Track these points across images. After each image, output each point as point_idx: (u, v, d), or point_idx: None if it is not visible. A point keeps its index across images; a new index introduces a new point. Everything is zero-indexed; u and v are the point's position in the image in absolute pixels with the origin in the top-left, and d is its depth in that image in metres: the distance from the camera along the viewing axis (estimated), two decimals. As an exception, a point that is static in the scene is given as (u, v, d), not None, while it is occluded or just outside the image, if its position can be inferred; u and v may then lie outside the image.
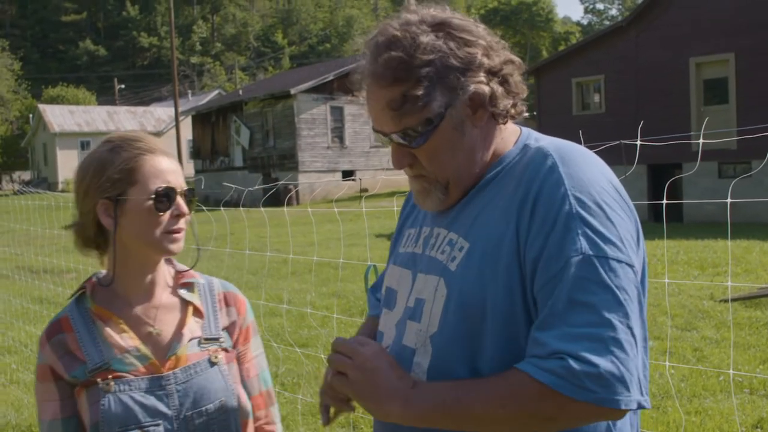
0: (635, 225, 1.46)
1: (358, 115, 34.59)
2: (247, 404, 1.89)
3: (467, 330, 1.46)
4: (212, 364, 1.80)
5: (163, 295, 1.84)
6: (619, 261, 1.35)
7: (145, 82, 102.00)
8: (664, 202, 3.34)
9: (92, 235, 1.78)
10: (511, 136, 1.60)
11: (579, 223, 1.36)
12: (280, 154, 34.25)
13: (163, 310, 1.82)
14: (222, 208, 4.94)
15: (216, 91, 62.94)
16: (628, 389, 1.28)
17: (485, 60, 1.47)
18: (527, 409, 1.32)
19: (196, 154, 41.14)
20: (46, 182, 50.80)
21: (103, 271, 1.87)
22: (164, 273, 1.87)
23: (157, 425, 1.70)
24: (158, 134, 53.14)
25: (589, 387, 1.27)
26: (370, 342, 1.49)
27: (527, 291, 1.41)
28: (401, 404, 1.39)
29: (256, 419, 1.94)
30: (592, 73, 25.19)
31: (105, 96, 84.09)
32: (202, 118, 40.39)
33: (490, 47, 1.49)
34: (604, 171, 1.49)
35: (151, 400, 1.71)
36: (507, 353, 1.42)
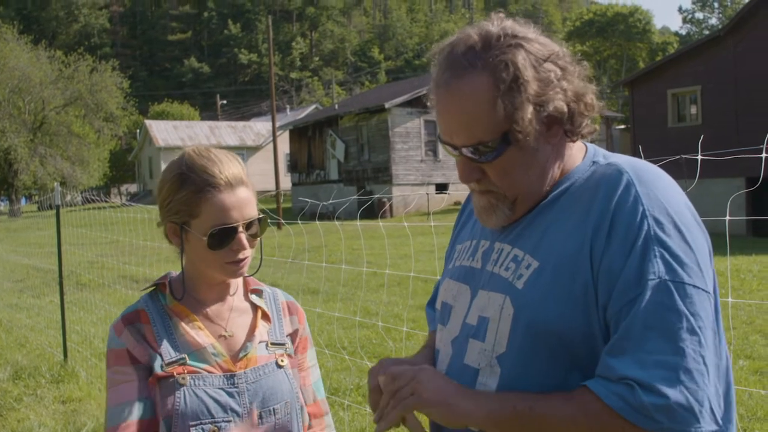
0: (709, 248, 1.43)
1: (451, 128, 34.56)
2: (305, 409, 1.97)
3: (540, 350, 1.43)
4: (279, 366, 1.88)
5: (234, 299, 1.93)
6: (695, 287, 1.33)
7: (246, 97, 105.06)
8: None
9: (169, 241, 1.88)
10: (578, 153, 1.57)
11: (657, 246, 1.34)
12: (374, 167, 34.59)
13: (236, 313, 1.91)
14: (299, 222, 5.06)
15: (313, 106, 64.10)
16: (698, 420, 1.27)
17: (564, 78, 1.45)
18: (596, 429, 1.32)
19: (293, 167, 41.99)
20: (151, 195, 52.76)
21: (174, 272, 1.95)
22: (235, 279, 1.94)
23: (229, 421, 1.76)
24: (257, 148, 54.54)
25: (656, 418, 1.26)
26: (423, 368, 1.49)
27: (600, 312, 1.38)
28: (473, 403, 1.40)
29: (310, 427, 2.00)
30: (689, 84, 24.47)
31: (208, 111, 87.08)
32: (299, 132, 41.23)
33: (569, 65, 1.47)
34: (677, 191, 1.45)
35: (223, 397, 1.77)
36: (583, 374, 1.40)
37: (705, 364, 1.29)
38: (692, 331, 1.29)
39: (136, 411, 1.74)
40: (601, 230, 1.39)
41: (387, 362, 1.61)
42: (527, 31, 1.47)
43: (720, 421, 1.31)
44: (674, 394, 1.26)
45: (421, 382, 1.44)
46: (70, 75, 51.00)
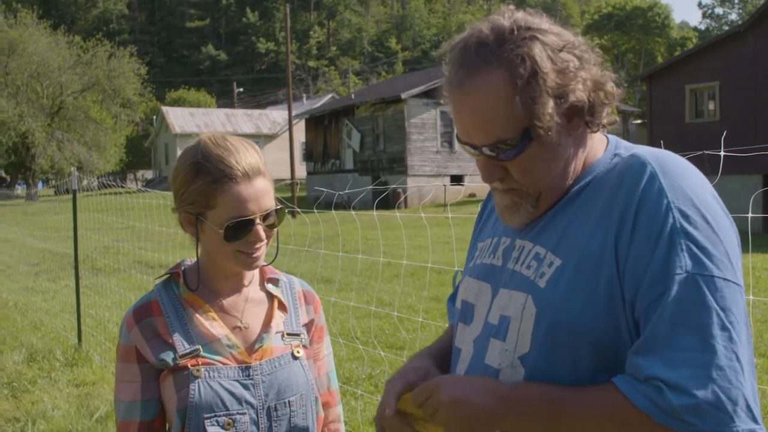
0: (738, 240, 1.38)
1: (468, 120, 34.48)
2: (320, 400, 1.95)
3: (564, 350, 1.38)
4: (295, 358, 1.85)
5: (250, 289, 1.90)
6: (725, 280, 1.27)
7: (262, 85, 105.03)
8: None
9: (184, 229, 1.85)
10: (599, 145, 1.52)
11: (684, 239, 1.29)
12: (389, 158, 34.57)
13: (251, 303, 1.88)
14: (314, 210, 5.06)
15: (329, 95, 64.03)
16: (732, 419, 1.21)
17: (582, 68, 1.40)
18: (625, 429, 1.27)
19: (308, 156, 42.02)
20: (166, 181, 52.80)
21: (188, 260, 1.92)
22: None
23: (243, 414, 1.74)
24: (273, 136, 54.60)
25: (686, 419, 1.20)
26: (436, 384, 1.44)
27: (627, 308, 1.33)
28: (499, 421, 1.37)
29: (324, 416, 1.99)
30: (707, 79, 24.26)
31: (224, 99, 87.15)
32: (315, 121, 41.22)
33: (585, 54, 1.42)
34: (704, 182, 1.40)
35: (238, 389, 1.75)
36: (612, 375, 1.34)
37: (738, 360, 1.24)
38: (723, 327, 1.24)
39: (139, 412, 1.77)
40: (625, 224, 1.34)
41: (397, 382, 1.58)
42: (540, 21, 1.42)
43: (758, 418, 1.25)
44: (704, 393, 1.20)
45: (449, 419, 1.40)
46: (88, 60, 51.25)
